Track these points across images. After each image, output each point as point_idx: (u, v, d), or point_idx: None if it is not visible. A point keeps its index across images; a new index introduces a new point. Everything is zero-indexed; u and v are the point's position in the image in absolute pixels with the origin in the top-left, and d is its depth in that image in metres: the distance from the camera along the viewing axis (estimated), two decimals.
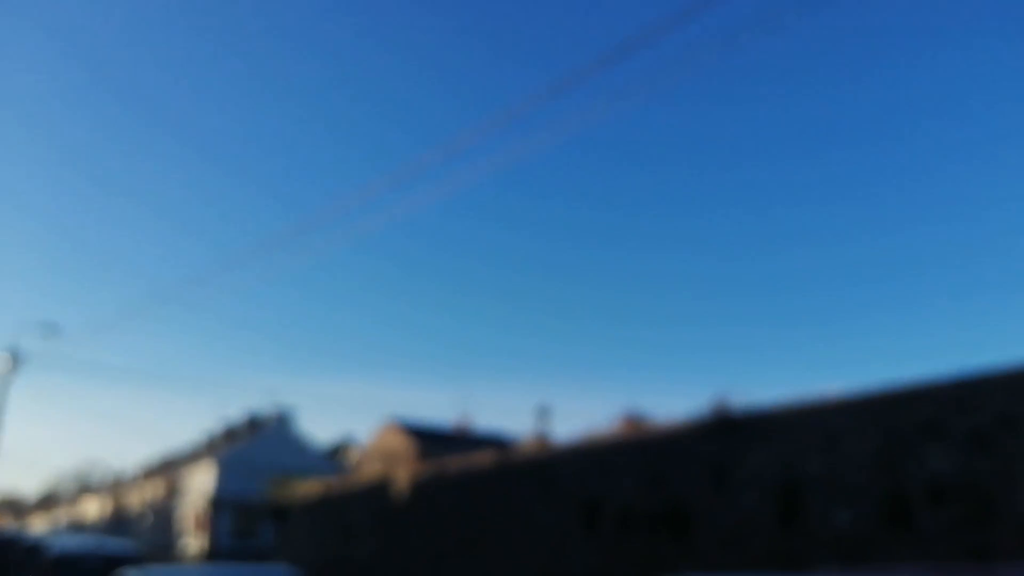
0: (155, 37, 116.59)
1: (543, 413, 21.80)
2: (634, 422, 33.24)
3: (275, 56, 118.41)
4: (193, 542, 52.03)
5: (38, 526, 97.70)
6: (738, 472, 12.02)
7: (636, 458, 13.83)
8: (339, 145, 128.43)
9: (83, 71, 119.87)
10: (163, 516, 60.61)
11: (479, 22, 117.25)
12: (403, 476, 21.22)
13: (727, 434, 12.32)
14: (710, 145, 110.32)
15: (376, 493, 22.33)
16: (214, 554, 46.90)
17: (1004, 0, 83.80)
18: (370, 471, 37.68)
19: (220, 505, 49.94)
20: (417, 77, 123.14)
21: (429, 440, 50.14)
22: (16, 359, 29.38)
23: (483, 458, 18.50)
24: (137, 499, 72.36)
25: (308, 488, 27.36)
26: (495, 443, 44.13)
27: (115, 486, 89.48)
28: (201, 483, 53.68)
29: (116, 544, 15.33)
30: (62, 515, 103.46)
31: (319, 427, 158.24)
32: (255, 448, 51.94)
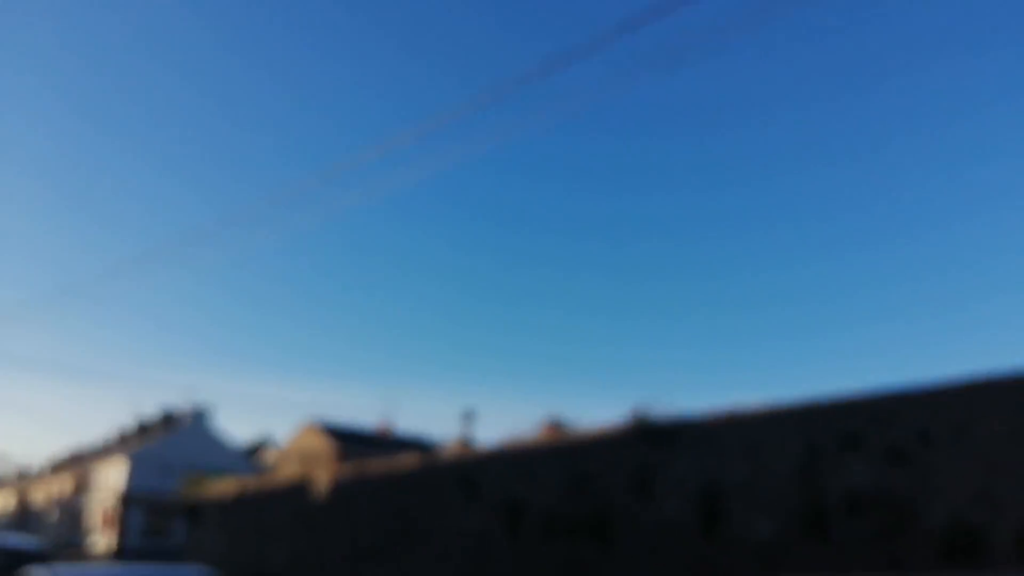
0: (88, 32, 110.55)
1: (468, 417, 21.15)
2: (556, 428, 32.98)
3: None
4: (102, 540, 48.93)
5: None
6: (661, 479, 11.67)
7: (560, 463, 13.34)
8: (266, 140, 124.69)
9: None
10: (71, 512, 56.91)
11: (419, 29, 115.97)
12: (323, 477, 20.16)
13: (650, 441, 11.97)
14: (643, 170, 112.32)
15: (295, 494, 21.16)
16: (123, 552, 44.20)
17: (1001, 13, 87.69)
18: (288, 472, 36.16)
19: (131, 502, 47.12)
20: (353, 79, 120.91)
21: (350, 442, 48.66)
22: None
23: (406, 460, 17.69)
24: (44, 494, 67.84)
25: (224, 487, 25.82)
26: (417, 446, 43.18)
27: (21, 480, 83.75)
28: (111, 479, 50.58)
29: (19, 540, 14.08)
30: None
31: (237, 426, 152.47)
32: (169, 445, 49.27)
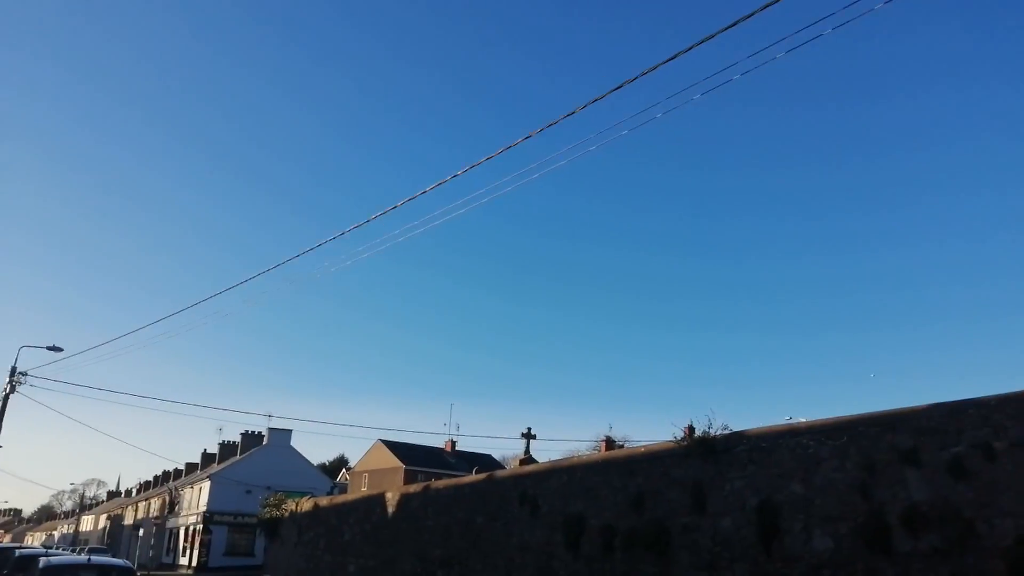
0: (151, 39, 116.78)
1: (528, 435, 21.39)
2: (611, 445, 32.86)
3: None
4: (187, 559, 50.82)
5: (35, 542, 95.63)
6: (717, 495, 11.67)
7: (617, 479, 13.46)
8: (323, 180, 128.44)
9: (90, 83, 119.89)
10: (159, 532, 59.27)
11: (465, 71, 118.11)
12: (392, 495, 20.71)
13: (706, 457, 11.99)
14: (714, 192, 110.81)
15: (366, 510, 21.77)
16: (208, 570, 45.79)
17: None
18: (360, 490, 36.97)
19: (214, 521, 48.86)
20: (415, 125, 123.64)
21: (417, 460, 49.42)
22: (16, 378, 28.68)
23: (470, 477, 18.07)
24: (133, 516, 70.89)
25: (300, 505, 26.70)
26: (479, 463, 43.53)
27: (112, 503, 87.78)
28: (196, 500, 52.59)
29: (107, 560, 14.86)
30: (59, 531, 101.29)
31: (312, 449, 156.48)
32: (250, 465, 50.96)
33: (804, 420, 11.12)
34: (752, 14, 7.83)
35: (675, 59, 8.35)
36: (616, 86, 9.12)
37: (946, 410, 9.50)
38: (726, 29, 7.92)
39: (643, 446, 13.64)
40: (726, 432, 11.91)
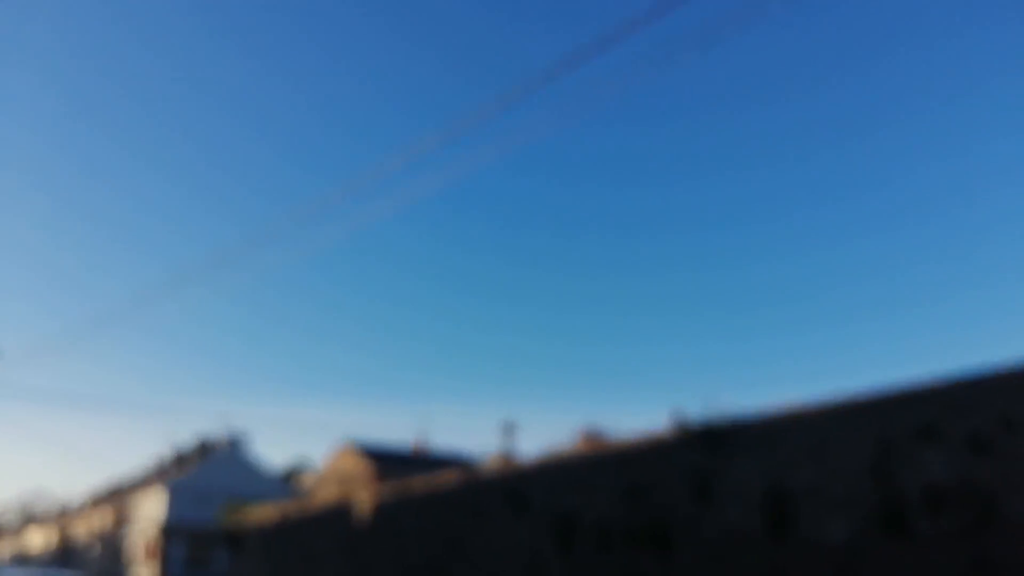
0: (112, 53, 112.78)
1: (508, 430, 20.68)
2: (595, 437, 32.35)
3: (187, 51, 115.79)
4: (144, 572, 48.92)
5: None
6: (720, 484, 11.10)
7: (610, 473, 12.82)
8: (287, 156, 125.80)
9: (50, 91, 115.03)
10: (112, 546, 57.09)
11: (431, 37, 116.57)
12: (364, 498, 19.78)
13: (706, 445, 11.41)
14: (667, 163, 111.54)
15: (336, 517, 20.79)
16: None
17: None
18: (326, 494, 35.88)
19: (171, 533, 47.07)
20: (368, 90, 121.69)
21: (387, 462, 48.24)
22: None
23: (448, 477, 17.25)
24: (85, 529, 68.28)
25: (263, 513, 25.55)
26: (455, 463, 42.65)
27: (61, 516, 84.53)
28: (151, 511, 50.64)
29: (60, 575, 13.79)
30: (6, 547, 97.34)
31: (273, 451, 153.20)
32: (207, 473, 49.23)
33: (812, 400, 10.60)
34: None
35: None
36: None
37: (965, 382, 9.05)
38: None
39: (637, 436, 13.00)
40: (728, 417, 11.34)
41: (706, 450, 11.36)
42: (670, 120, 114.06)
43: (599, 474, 12.99)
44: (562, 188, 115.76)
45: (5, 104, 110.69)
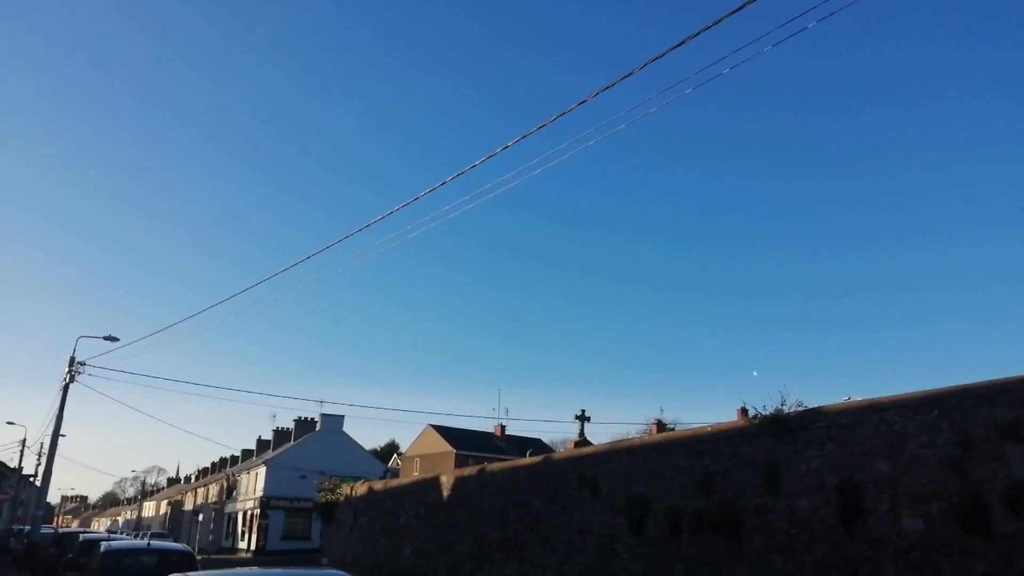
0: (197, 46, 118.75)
1: (582, 417, 20.98)
2: (663, 427, 32.23)
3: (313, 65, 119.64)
4: (245, 542, 52.03)
5: (100, 527, 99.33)
6: (793, 475, 11.08)
7: (682, 460, 12.95)
8: (391, 150, 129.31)
9: (124, 84, 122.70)
10: (217, 517, 60.82)
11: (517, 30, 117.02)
12: (446, 478, 20.57)
13: (781, 435, 11.40)
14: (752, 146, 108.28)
15: (421, 494, 21.71)
16: (265, 554, 46.76)
17: None
18: (412, 474, 37.13)
19: (271, 506, 49.84)
20: (473, 88, 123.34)
21: (467, 444, 49.52)
22: (75, 367, 29.44)
23: (526, 460, 17.75)
24: (193, 501, 72.93)
25: (355, 490, 26.87)
26: (531, 447, 43.31)
27: (172, 489, 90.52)
28: (253, 485, 53.69)
29: (166, 544, 14.99)
30: (122, 517, 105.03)
31: (364, 434, 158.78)
32: (305, 451, 51.77)
33: (891, 394, 10.43)
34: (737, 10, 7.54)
35: (668, 54, 8.10)
36: (610, 83, 8.80)
37: None
38: (715, 23, 7.37)
39: (709, 426, 13.08)
40: (801, 408, 11.29)
41: (778, 440, 11.36)
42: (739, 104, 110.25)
43: (670, 462, 13.16)
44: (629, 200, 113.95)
45: (111, 111, 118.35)
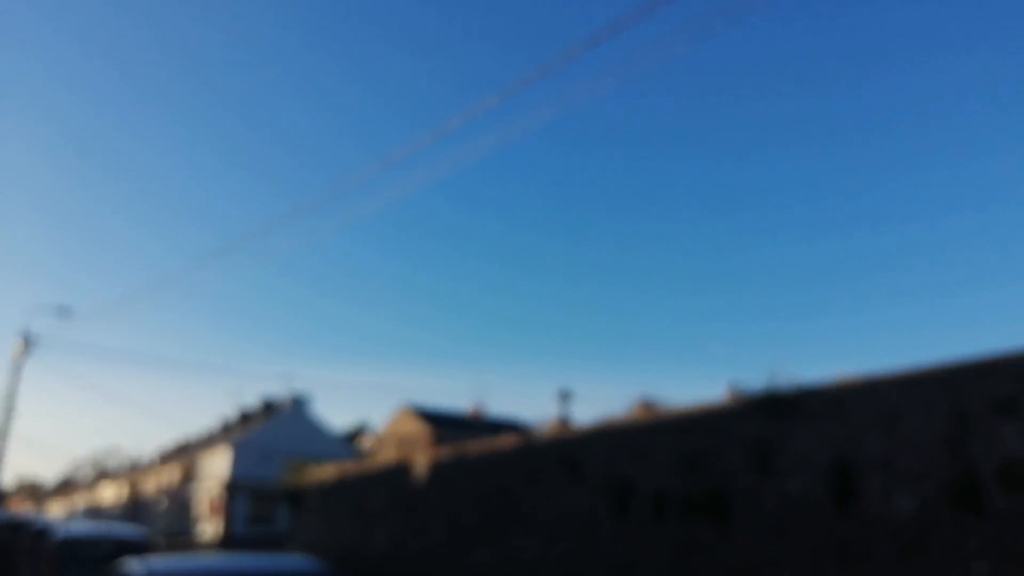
0: (163, 29, 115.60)
1: (564, 397, 20.76)
2: (649, 407, 32.20)
3: (277, 46, 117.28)
4: (209, 528, 51.24)
5: (55, 511, 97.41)
6: (783, 455, 10.93)
7: (668, 441, 12.76)
8: (334, 130, 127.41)
9: (87, 58, 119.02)
10: (179, 501, 59.87)
11: (469, 11, 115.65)
12: (421, 460, 20.22)
13: (769, 414, 11.24)
14: (714, 138, 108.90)
15: (393, 477, 21.34)
16: (230, 540, 46.11)
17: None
18: (386, 456, 36.71)
19: (236, 490, 49.10)
20: (410, 63, 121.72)
21: (444, 425, 49.19)
22: (29, 341, 28.38)
23: (505, 441, 17.47)
24: (154, 485, 71.73)
25: (324, 473, 26.39)
26: (510, 428, 43.16)
27: (132, 472, 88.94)
28: (216, 468, 52.84)
29: (124, 530, 14.63)
30: (79, 501, 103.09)
31: (334, 414, 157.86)
32: (270, 433, 51.04)
33: (881, 370, 10.31)
34: None
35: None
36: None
37: None
38: None
39: (697, 404, 12.89)
40: (792, 385, 11.13)
41: (768, 419, 11.20)
42: (717, 94, 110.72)
43: (656, 442, 12.96)
44: (615, 160, 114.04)
45: (56, 74, 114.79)
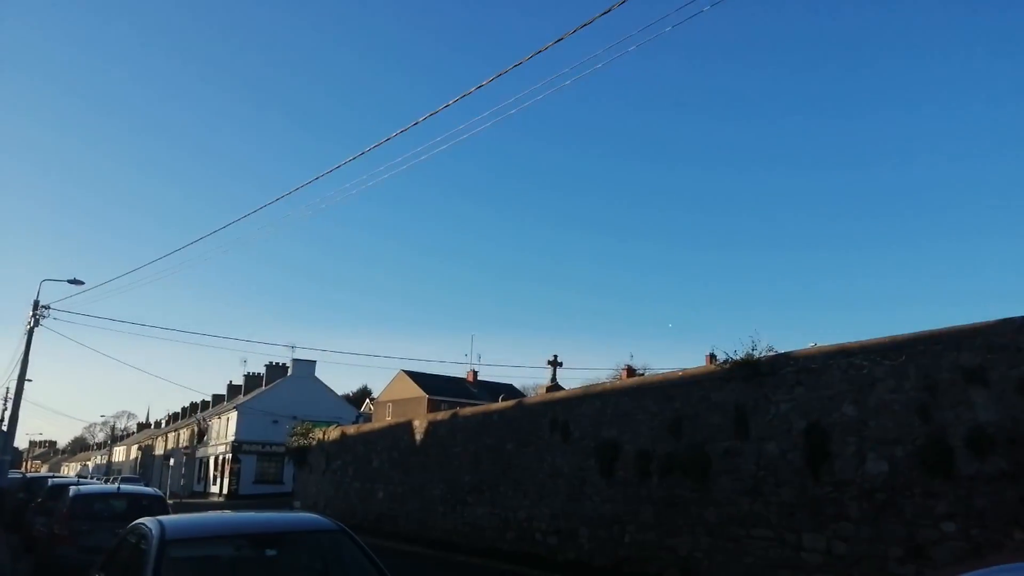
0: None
1: (554, 363, 21.11)
2: (633, 373, 32.62)
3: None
4: (217, 487, 52.29)
5: (70, 471, 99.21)
6: (762, 419, 11.26)
7: (653, 405, 13.10)
8: (342, 102, 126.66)
9: (121, 23, 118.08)
10: (189, 462, 60.88)
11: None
12: (419, 423, 20.68)
13: (750, 380, 11.53)
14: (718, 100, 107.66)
15: (393, 438, 21.83)
16: (237, 498, 47.09)
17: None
18: (385, 419, 37.33)
19: (242, 451, 50.00)
20: (430, 36, 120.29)
21: (439, 390, 49.89)
22: (40, 311, 28.80)
23: (499, 404, 17.88)
24: (164, 446, 72.94)
25: (327, 434, 26.96)
26: (502, 393, 43.76)
27: (143, 434, 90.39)
28: (224, 430, 53.76)
29: (137, 489, 14.85)
30: (93, 462, 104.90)
31: (336, 379, 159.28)
32: (276, 395, 51.77)
33: (856, 340, 10.55)
34: None
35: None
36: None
37: (1017, 325, 8.88)
38: None
39: (680, 371, 13.20)
40: (771, 353, 11.40)
41: (746, 385, 11.50)
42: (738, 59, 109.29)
43: (640, 406, 13.30)
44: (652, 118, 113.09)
45: (94, 38, 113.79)
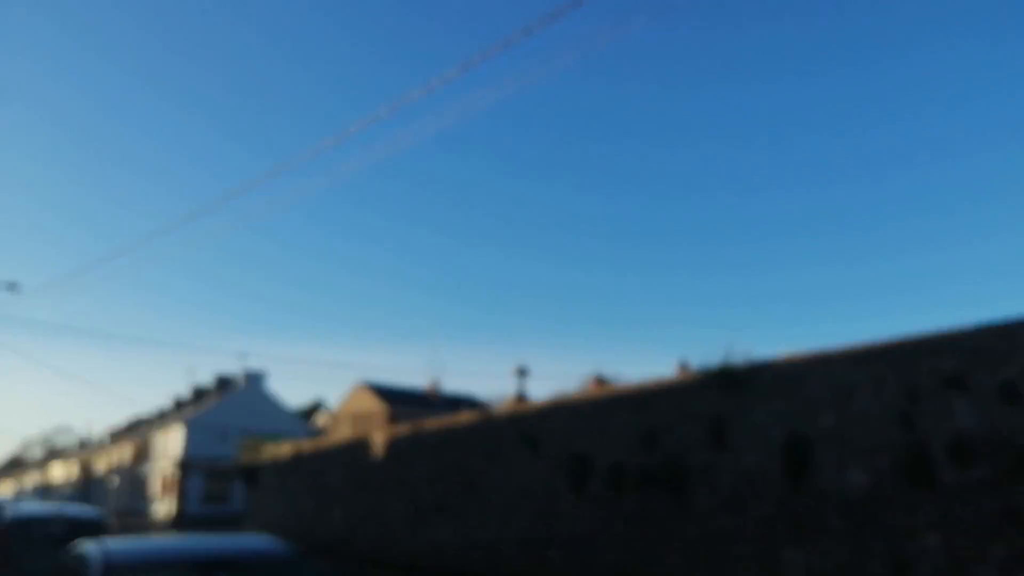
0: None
1: (521, 373, 20.71)
2: (603, 383, 32.45)
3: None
4: (163, 506, 50.44)
5: (3, 491, 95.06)
6: (738, 429, 11.01)
7: (625, 416, 12.77)
8: (317, 88, 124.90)
9: (56, 25, 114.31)
10: (132, 480, 58.81)
11: None
12: (378, 438, 20.01)
13: (725, 389, 11.28)
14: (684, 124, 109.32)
15: (351, 455, 21.10)
16: (184, 518, 45.45)
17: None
18: (341, 434, 36.43)
19: (190, 468, 48.32)
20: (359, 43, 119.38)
21: (400, 402, 49.02)
22: None
23: (463, 417, 17.35)
24: (106, 463, 70.32)
25: (280, 450, 26.02)
26: (466, 405, 43.16)
27: (83, 450, 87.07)
28: (170, 446, 51.92)
29: (78, 509, 14.10)
30: (29, 480, 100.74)
31: (289, 391, 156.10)
32: (225, 410, 50.22)
33: (835, 345, 10.39)
34: None
35: None
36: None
37: (997, 330, 8.78)
38: None
39: (652, 380, 12.90)
40: (748, 361, 11.17)
41: (723, 394, 11.24)
42: (692, 82, 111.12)
43: (612, 417, 12.95)
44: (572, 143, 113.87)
45: (9, 35, 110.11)
